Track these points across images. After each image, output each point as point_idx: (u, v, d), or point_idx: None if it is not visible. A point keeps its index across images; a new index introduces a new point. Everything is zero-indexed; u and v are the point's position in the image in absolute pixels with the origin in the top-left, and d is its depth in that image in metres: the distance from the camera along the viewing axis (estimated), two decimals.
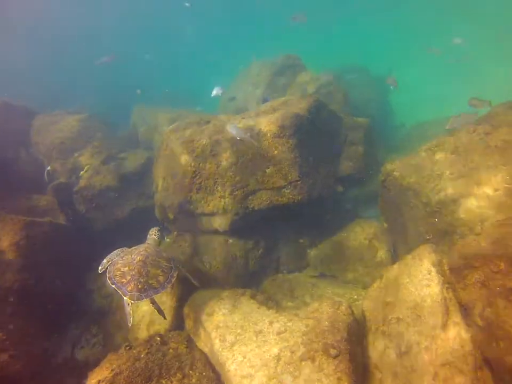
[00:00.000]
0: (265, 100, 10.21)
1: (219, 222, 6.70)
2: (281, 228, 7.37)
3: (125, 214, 8.40)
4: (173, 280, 4.81)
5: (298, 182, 6.58)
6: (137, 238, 6.17)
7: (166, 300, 6.00)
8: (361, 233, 7.41)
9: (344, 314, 4.43)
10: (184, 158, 6.66)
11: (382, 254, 6.99)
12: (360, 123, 8.74)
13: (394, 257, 6.77)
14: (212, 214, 6.71)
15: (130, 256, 4.94)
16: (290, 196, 6.58)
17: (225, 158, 6.52)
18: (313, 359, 3.84)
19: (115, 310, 6.76)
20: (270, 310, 4.96)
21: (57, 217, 7.99)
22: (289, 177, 6.55)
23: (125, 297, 4.38)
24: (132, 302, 4.33)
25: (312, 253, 7.50)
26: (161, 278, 4.66)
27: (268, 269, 7.21)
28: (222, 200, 6.54)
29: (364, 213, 8.08)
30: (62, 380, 5.88)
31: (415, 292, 4.04)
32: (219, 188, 6.54)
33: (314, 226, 7.54)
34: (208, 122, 7.27)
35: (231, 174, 6.50)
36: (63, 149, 9.52)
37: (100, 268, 5.19)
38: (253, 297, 5.52)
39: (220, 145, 6.58)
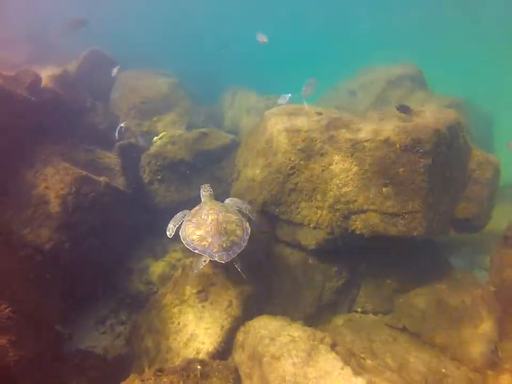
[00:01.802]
0: None
1: (306, 237, 5.25)
2: (369, 260, 5.83)
3: (193, 196, 7.05)
4: (249, 231, 4.55)
5: (418, 214, 4.89)
6: None
7: (219, 315, 4.61)
8: (464, 291, 5.63)
9: None
10: (284, 149, 5.19)
11: (486, 326, 5.18)
12: (491, 161, 6.84)
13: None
14: (300, 225, 5.23)
15: (199, 217, 4.61)
16: (404, 229, 4.90)
17: (337, 162, 4.96)
18: None
19: (151, 308, 5.44)
20: (358, 378, 3.60)
21: (117, 180, 6.88)
22: (410, 205, 4.87)
23: (213, 259, 4.18)
24: (223, 262, 4.14)
25: (401, 299, 5.88)
26: (239, 232, 4.45)
27: (341, 305, 5.95)
28: (319, 211, 5.00)
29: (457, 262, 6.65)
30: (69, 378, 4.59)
31: None
32: (318, 196, 4.99)
33: (407, 267, 5.85)
34: (320, 114, 5.73)
35: (338, 182, 4.92)
36: (143, 109, 8.53)
37: (168, 233, 4.86)
38: (333, 348, 4.03)
39: (335, 144, 5.02)
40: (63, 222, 5.54)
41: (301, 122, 5.33)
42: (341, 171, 4.96)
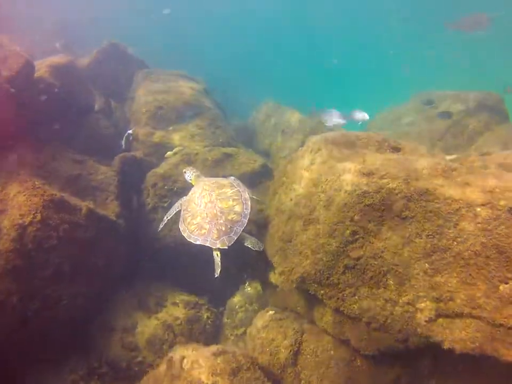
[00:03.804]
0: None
1: (362, 338, 3.45)
2: (444, 375, 3.80)
3: None
4: (249, 202, 4.11)
5: None
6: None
7: None
8: None
9: None
10: (344, 201, 3.36)
11: None
12: None
13: None
14: (355, 319, 3.39)
15: (193, 204, 4.19)
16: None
17: (428, 233, 3.08)
18: None
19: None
20: None
21: (107, 205, 5.26)
22: None
23: (215, 248, 3.80)
24: (226, 247, 3.77)
25: None
26: (237, 208, 4.03)
27: None
28: (388, 306, 3.16)
29: None
30: None
31: None
32: (391, 284, 3.15)
33: None
34: (397, 149, 3.90)
35: (428, 266, 3.06)
36: (158, 115, 6.93)
37: (160, 226, 4.75)
38: None
39: (427, 204, 3.14)
40: (14, 264, 3.91)
41: (371, 160, 3.49)
42: (448, 248, 3.09)
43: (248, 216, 4.00)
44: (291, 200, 3.94)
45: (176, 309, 5.40)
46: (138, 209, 5.80)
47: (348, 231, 3.23)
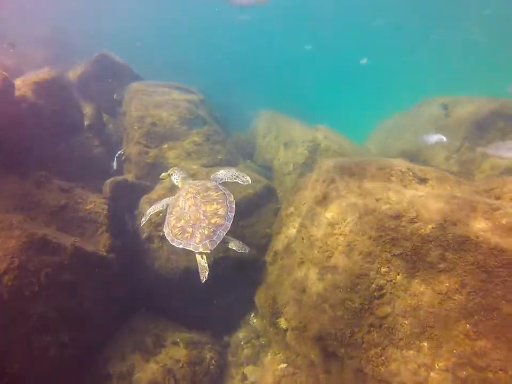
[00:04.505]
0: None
1: None
2: None
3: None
4: (233, 206, 3.98)
5: None
6: None
7: None
8: None
9: None
10: (366, 247, 2.88)
11: None
12: None
13: None
14: (381, 382, 2.88)
15: (178, 207, 4.11)
16: None
17: (473, 289, 2.60)
18: None
19: None
20: None
21: (97, 238, 4.78)
22: None
23: (198, 252, 3.69)
24: (209, 251, 3.65)
25: None
26: (221, 211, 3.91)
27: None
28: (422, 372, 2.70)
29: None
30: None
31: None
32: (425, 346, 2.67)
33: None
34: (424, 180, 3.41)
35: (469, 328, 2.58)
36: (152, 132, 6.43)
37: (142, 220, 4.54)
38: None
39: (467, 254, 2.66)
40: None
41: (397, 198, 3.00)
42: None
43: (232, 220, 3.86)
44: (303, 239, 3.46)
45: (176, 349, 4.92)
46: (133, 237, 5.33)
47: (373, 285, 2.75)
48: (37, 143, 5.41)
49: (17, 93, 5.44)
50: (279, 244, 4.02)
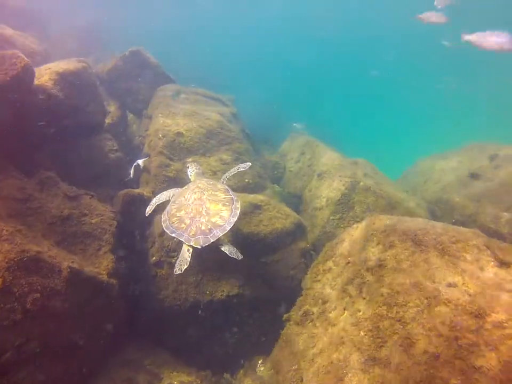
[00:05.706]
0: None
1: None
2: None
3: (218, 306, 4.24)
4: (238, 212, 3.90)
5: None
6: None
7: None
8: None
9: None
10: (437, 346, 2.16)
11: None
12: None
13: None
14: None
15: (183, 197, 4.09)
16: None
17: None
18: None
19: None
20: None
21: (99, 259, 4.12)
22: None
23: (188, 244, 3.62)
24: (199, 247, 3.56)
25: None
26: (225, 213, 3.84)
27: None
28: None
29: None
30: None
31: None
32: None
33: None
34: (506, 264, 2.68)
35: None
36: (177, 143, 5.83)
37: (147, 209, 4.35)
38: None
39: None
40: None
41: (476, 287, 2.29)
42: None
43: (233, 224, 3.78)
44: (345, 311, 2.75)
45: None
46: (140, 259, 4.69)
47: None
48: (48, 140, 4.85)
49: (37, 82, 4.91)
50: (311, 303, 3.31)
